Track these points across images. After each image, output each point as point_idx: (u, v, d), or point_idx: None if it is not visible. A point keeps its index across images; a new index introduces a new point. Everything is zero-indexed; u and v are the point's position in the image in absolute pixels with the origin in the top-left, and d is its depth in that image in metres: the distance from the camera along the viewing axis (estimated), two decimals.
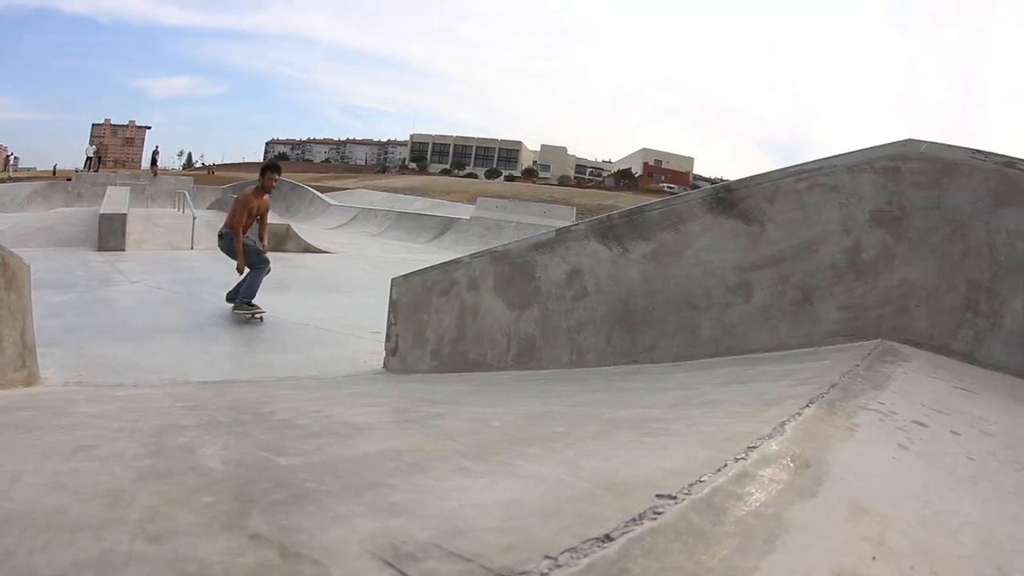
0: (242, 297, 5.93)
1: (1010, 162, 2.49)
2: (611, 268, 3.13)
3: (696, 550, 0.78)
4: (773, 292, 2.72)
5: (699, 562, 0.75)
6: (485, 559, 0.74)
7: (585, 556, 0.73)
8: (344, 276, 9.57)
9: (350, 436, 1.76)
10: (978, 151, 2.53)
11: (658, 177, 72.78)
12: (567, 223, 4.83)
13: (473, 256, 3.76)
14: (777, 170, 2.93)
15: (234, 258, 6.02)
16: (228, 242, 6.00)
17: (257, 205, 6.12)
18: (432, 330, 3.72)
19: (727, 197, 2.88)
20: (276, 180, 6.19)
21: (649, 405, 2.00)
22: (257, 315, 5.91)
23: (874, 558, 0.79)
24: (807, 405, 1.41)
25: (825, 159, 2.74)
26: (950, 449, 1.26)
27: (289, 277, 8.43)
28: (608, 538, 0.77)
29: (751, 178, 2.90)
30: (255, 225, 6.31)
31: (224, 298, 6.29)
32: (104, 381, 3.59)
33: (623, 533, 0.79)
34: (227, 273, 6.52)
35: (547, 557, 0.73)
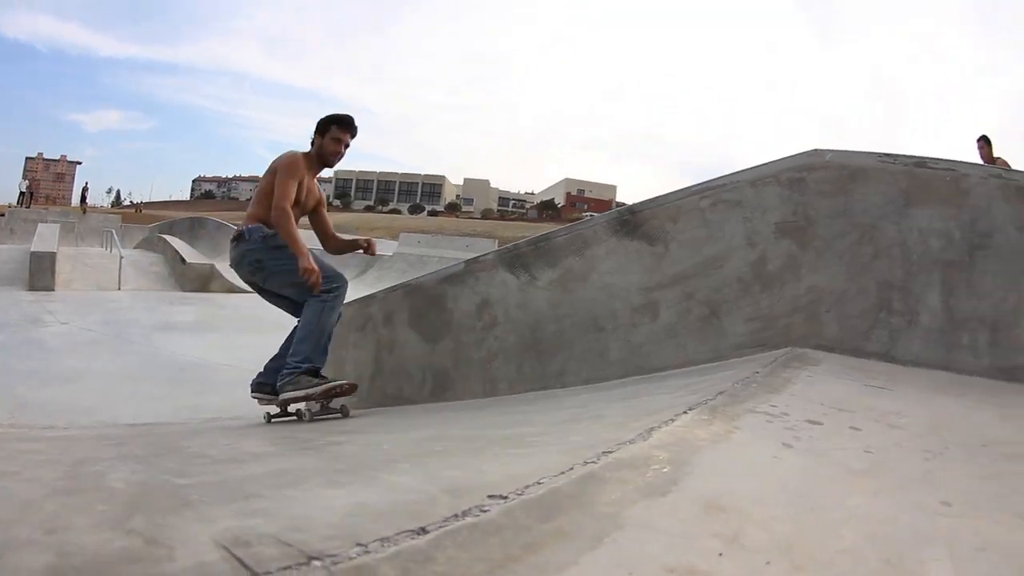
0: (306, 362, 2.85)
1: (920, 162, 2.53)
2: (519, 296, 3.14)
3: (512, 544, 0.82)
4: (679, 310, 2.75)
5: (511, 555, 0.79)
6: (306, 545, 0.83)
7: (395, 545, 0.80)
8: (270, 317, 9.32)
9: (248, 462, 1.84)
10: (887, 155, 2.56)
11: (581, 207, 70.37)
12: None
13: (388, 291, 3.72)
14: (680, 190, 2.91)
15: (255, 282, 3.07)
16: (259, 243, 2.93)
17: (308, 186, 3.11)
18: (351, 366, 3.72)
19: (631, 219, 2.88)
20: (346, 146, 3.10)
21: (536, 424, 2.06)
22: (337, 393, 2.86)
23: (721, 554, 0.80)
24: (685, 412, 1.46)
25: (729, 175, 2.74)
26: (846, 444, 1.30)
27: (215, 317, 8.51)
28: (423, 531, 0.84)
29: (654, 199, 2.90)
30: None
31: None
32: (36, 423, 3.64)
33: (440, 527, 0.86)
34: (155, 313, 6.31)
35: (358, 544, 0.81)
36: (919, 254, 2.49)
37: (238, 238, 3.00)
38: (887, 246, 2.51)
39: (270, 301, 3.14)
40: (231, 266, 3.21)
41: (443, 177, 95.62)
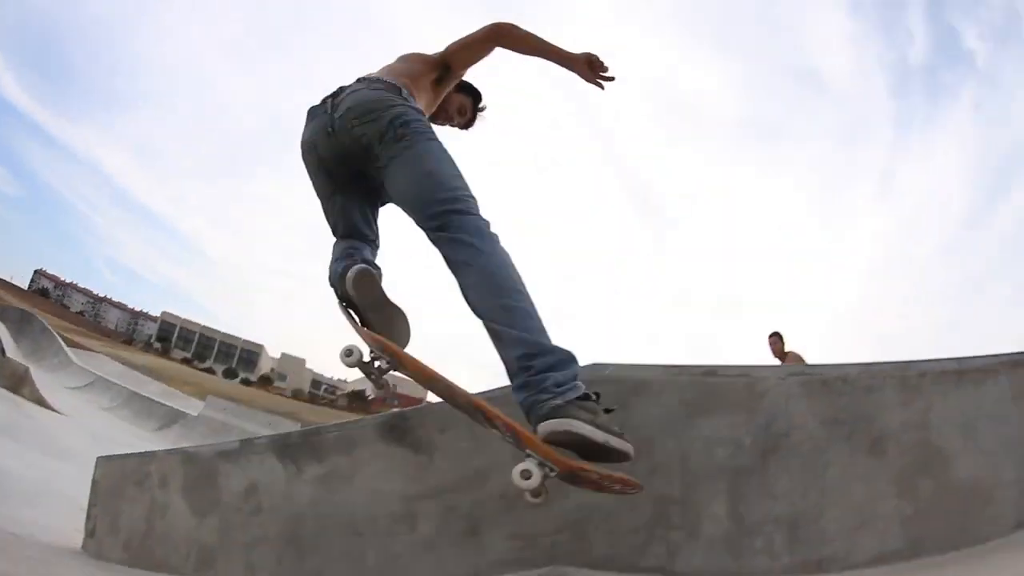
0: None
1: (710, 371, 2.42)
2: (285, 487, 3.02)
3: None
4: (439, 523, 2.67)
5: None
6: None
7: None
8: (71, 443, 8.48)
9: None
10: (674, 366, 2.48)
11: (391, 401, 61.43)
12: None
13: (168, 452, 3.68)
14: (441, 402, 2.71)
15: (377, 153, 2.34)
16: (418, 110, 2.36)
17: None
18: (126, 520, 3.56)
19: (400, 425, 2.82)
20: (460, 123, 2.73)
21: None
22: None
23: None
24: None
25: (500, 388, 2.54)
26: None
27: (14, 427, 7.63)
28: None
29: (426, 407, 2.86)
30: None
31: None
32: None
33: None
34: None
35: None
36: (702, 464, 2.38)
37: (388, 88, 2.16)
38: (666, 460, 2.39)
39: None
40: (347, 115, 2.11)
41: (261, 346, 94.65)
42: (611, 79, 2.33)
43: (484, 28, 2.41)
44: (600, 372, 2.46)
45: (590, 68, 2.36)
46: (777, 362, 7.50)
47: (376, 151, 2.07)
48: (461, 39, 2.46)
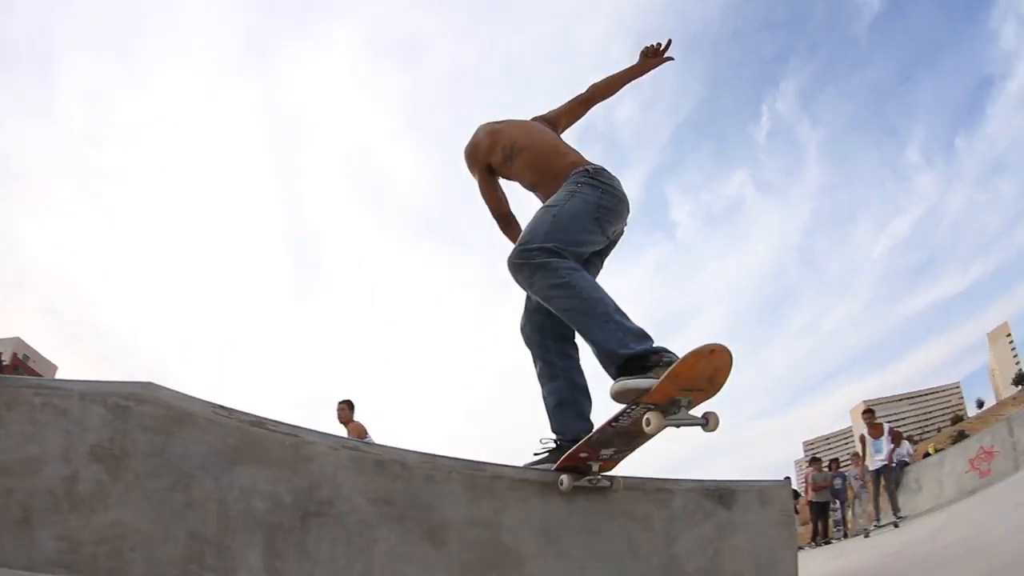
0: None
1: (257, 422, 2.37)
2: None
3: None
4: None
5: None
6: None
7: None
8: None
9: None
10: (222, 407, 2.42)
11: (21, 372, 61.77)
12: None
13: None
14: (22, 378, 2.69)
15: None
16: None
17: None
18: None
19: None
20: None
21: None
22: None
23: None
24: None
25: (67, 380, 2.57)
26: None
27: None
28: None
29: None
30: None
31: None
32: None
33: None
34: None
35: None
36: (239, 512, 2.25)
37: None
38: (203, 498, 2.27)
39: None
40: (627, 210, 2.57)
41: None
42: (669, 52, 2.86)
43: (584, 92, 2.93)
44: (152, 391, 2.35)
45: (655, 56, 2.87)
46: (342, 428, 7.34)
47: (613, 243, 2.65)
48: (565, 105, 2.93)
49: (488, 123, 2.83)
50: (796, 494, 12.60)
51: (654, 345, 2.11)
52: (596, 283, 2.31)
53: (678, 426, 2.04)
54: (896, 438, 11.38)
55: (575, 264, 2.26)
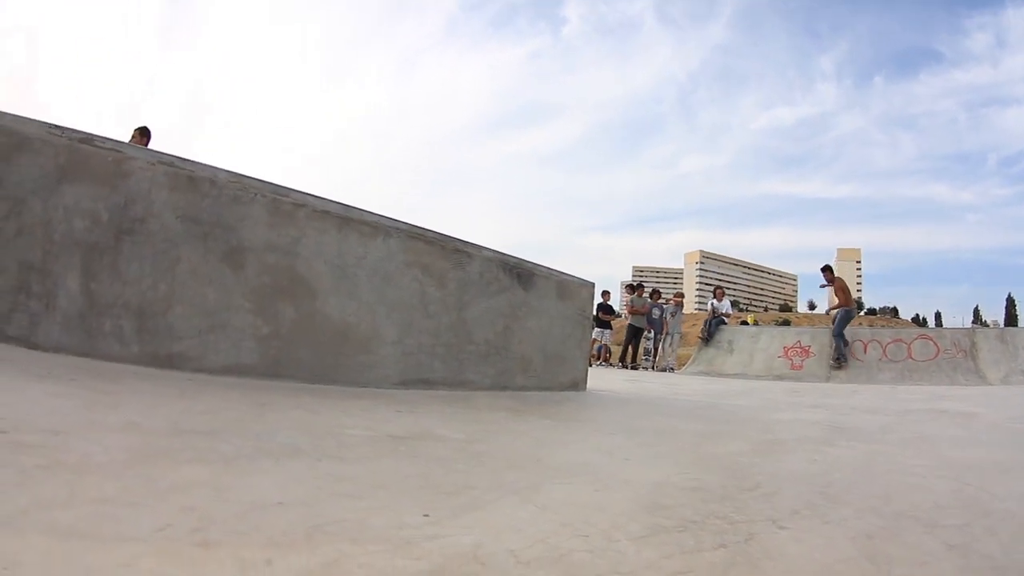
0: None
1: (87, 138, 2.49)
2: None
3: None
4: None
5: None
6: None
7: None
8: None
9: None
10: (56, 126, 2.49)
11: None
12: None
13: None
14: None
15: None
16: None
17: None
18: None
19: None
20: None
21: None
22: None
23: None
24: None
25: None
26: None
27: None
28: None
29: None
30: None
31: None
32: None
33: None
34: None
35: None
36: (62, 233, 2.43)
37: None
38: (32, 223, 2.42)
39: None
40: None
41: None
42: None
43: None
44: None
45: None
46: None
47: None
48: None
49: None
50: (612, 309, 13.76)
51: None
52: None
53: None
54: (719, 294, 13.16)
55: None
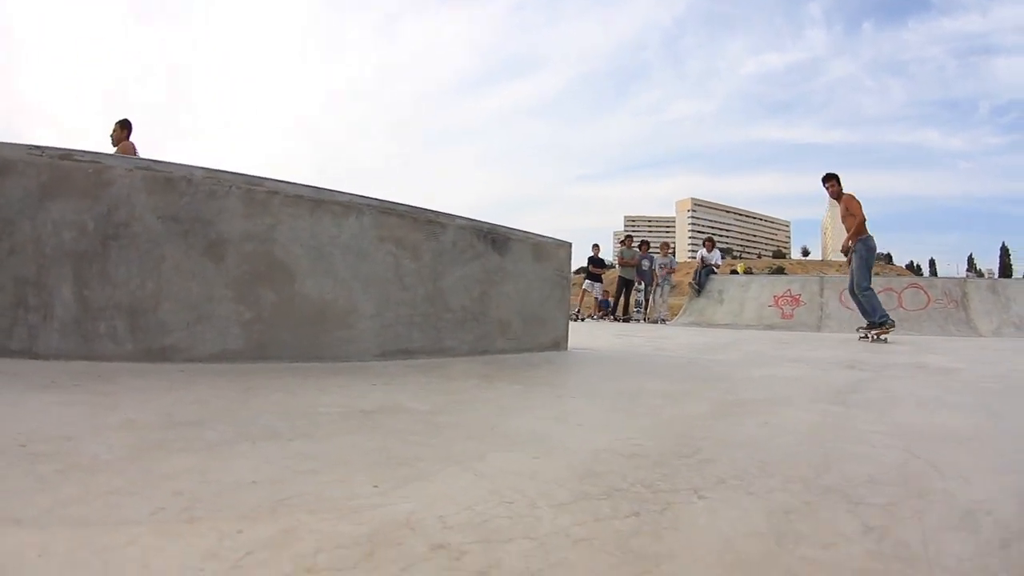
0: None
1: (66, 154, 2.68)
2: None
3: None
4: None
5: None
6: None
7: None
8: None
9: None
10: (36, 147, 2.68)
11: None
12: None
13: None
14: None
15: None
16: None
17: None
18: None
19: None
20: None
21: None
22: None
23: None
24: None
25: None
26: None
27: None
28: None
29: None
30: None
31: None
32: None
33: None
34: None
35: None
36: (52, 247, 2.64)
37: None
38: (23, 241, 2.62)
39: None
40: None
41: None
42: None
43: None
44: None
45: None
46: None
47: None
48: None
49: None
50: (603, 262, 14.10)
51: None
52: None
53: None
54: (708, 245, 13.02)
55: None
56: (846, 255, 7.26)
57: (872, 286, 6.98)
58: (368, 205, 3.14)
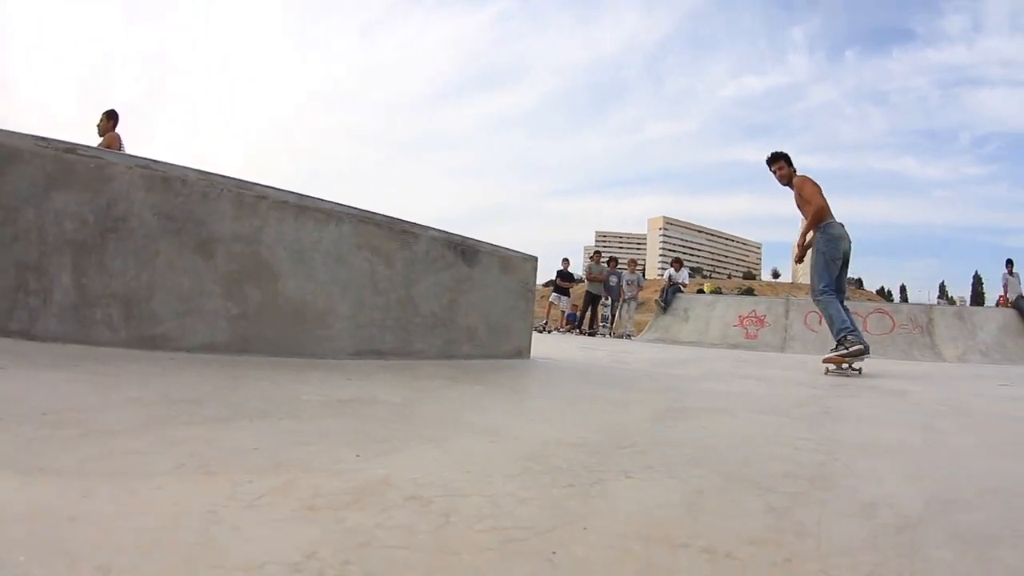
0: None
1: (71, 148, 2.84)
2: None
3: None
4: None
5: None
6: None
7: None
8: None
9: None
10: (43, 138, 2.79)
11: None
12: None
13: None
14: None
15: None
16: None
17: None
18: None
19: None
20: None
21: None
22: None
23: None
24: None
25: None
26: None
27: None
28: None
29: None
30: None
31: None
32: None
33: None
34: None
35: None
36: (54, 235, 2.80)
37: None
38: (26, 228, 2.76)
39: None
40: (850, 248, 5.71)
41: None
42: None
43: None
44: None
45: None
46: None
47: (848, 258, 5.67)
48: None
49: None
50: (572, 276, 14.48)
51: None
52: None
53: None
54: (676, 264, 13.52)
55: None
56: (802, 257, 5.84)
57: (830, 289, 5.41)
58: (348, 214, 3.39)
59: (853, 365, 5.16)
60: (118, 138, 7.42)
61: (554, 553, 1.00)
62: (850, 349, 5.09)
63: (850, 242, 5.57)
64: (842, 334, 5.20)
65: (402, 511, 1.14)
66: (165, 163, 2.98)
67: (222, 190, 3.02)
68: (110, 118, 7.37)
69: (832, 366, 5.17)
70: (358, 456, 1.50)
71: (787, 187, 5.79)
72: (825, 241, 5.46)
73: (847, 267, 5.60)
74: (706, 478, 1.52)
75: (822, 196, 5.56)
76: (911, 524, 1.24)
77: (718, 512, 1.26)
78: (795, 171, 5.77)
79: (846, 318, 5.29)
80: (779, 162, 5.77)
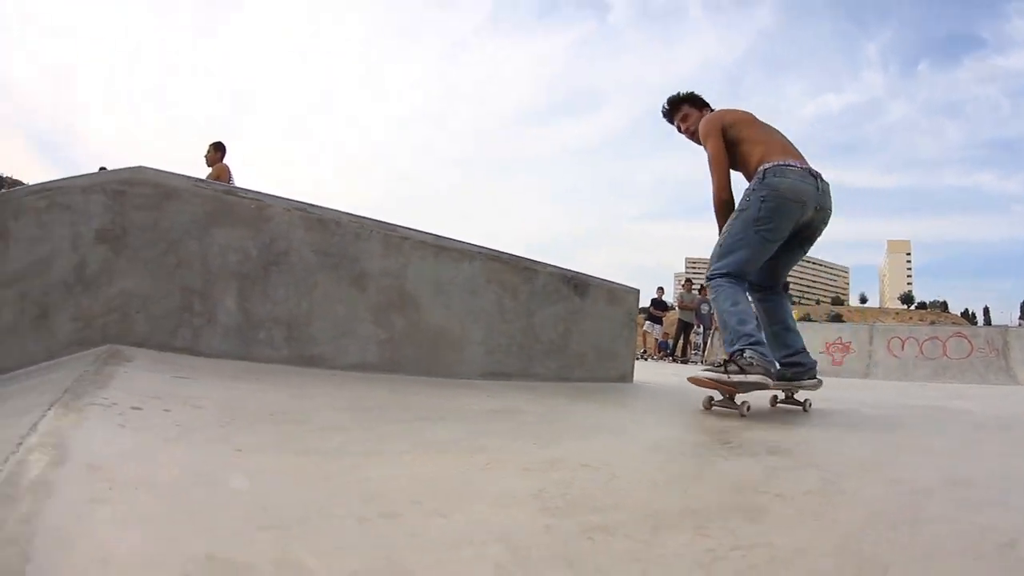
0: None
1: (229, 190, 3.39)
2: None
3: None
4: (16, 310, 3.20)
5: None
6: None
7: None
8: None
9: None
10: (200, 180, 3.31)
11: None
12: None
13: None
14: (24, 187, 3.49)
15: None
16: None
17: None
18: None
19: None
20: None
21: None
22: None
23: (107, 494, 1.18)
24: (48, 408, 1.85)
25: (66, 179, 3.25)
26: (160, 422, 1.76)
27: None
28: None
29: (2, 193, 3.34)
30: None
31: None
32: None
33: None
34: None
35: None
36: (217, 265, 3.26)
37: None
38: (190, 258, 3.19)
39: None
40: (827, 206, 3.36)
41: None
42: None
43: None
44: (141, 174, 2.99)
45: None
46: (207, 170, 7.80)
47: (816, 234, 3.42)
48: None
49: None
50: (665, 305, 14.57)
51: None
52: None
53: None
54: None
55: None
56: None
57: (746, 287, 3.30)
58: (479, 252, 3.89)
59: (738, 399, 3.05)
60: (227, 169, 7.82)
61: (685, 491, 1.60)
62: (746, 375, 2.91)
63: (821, 208, 3.28)
64: (739, 345, 3.02)
65: (583, 471, 1.70)
66: (320, 207, 3.53)
67: (372, 231, 3.56)
68: (217, 149, 7.84)
69: (715, 395, 3.09)
70: (535, 444, 1.91)
71: (696, 140, 3.72)
72: (759, 196, 3.17)
73: (806, 245, 3.45)
74: (777, 456, 2.04)
75: (751, 128, 3.52)
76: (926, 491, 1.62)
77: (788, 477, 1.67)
78: (695, 107, 3.80)
79: (751, 322, 3.11)
80: (681, 109, 3.81)
